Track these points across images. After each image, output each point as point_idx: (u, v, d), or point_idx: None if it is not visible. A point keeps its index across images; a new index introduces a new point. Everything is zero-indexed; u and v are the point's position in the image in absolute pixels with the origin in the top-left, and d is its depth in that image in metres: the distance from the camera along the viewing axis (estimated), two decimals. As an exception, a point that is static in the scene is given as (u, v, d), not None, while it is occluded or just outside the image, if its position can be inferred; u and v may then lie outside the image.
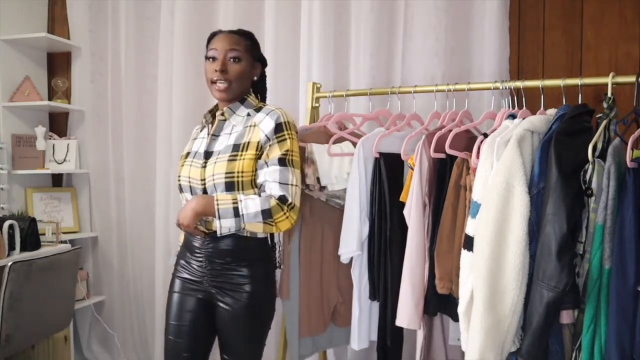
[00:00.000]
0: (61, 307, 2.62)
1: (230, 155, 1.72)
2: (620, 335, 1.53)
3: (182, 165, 1.85)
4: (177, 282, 1.87)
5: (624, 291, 1.52)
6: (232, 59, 1.75)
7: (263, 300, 1.80)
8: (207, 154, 1.78)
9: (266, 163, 1.72)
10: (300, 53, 2.80)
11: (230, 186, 1.70)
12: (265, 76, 1.93)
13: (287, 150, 1.73)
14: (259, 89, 1.91)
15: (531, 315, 1.59)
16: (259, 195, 1.71)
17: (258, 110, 1.81)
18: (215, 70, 1.74)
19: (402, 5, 2.68)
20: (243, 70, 1.78)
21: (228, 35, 1.79)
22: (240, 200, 1.68)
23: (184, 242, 1.90)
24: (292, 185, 1.72)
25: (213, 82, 1.76)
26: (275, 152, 1.72)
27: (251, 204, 1.67)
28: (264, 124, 1.73)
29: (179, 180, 1.85)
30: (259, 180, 1.73)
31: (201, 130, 1.89)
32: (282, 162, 1.71)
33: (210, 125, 1.84)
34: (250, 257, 1.78)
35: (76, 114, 3.37)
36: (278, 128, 1.72)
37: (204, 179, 1.75)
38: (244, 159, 1.71)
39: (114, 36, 3.27)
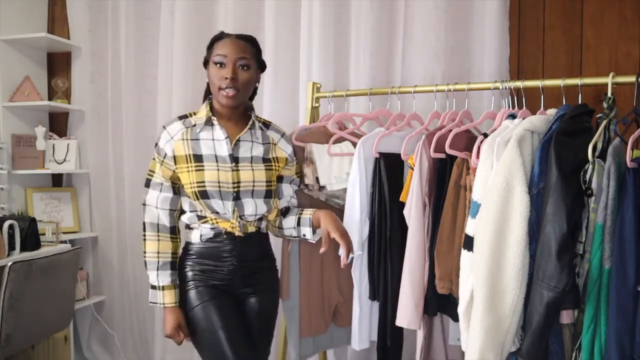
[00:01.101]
0: (61, 307, 2.62)
1: (266, 166, 1.83)
2: (620, 335, 1.53)
3: (202, 170, 1.75)
4: (206, 291, 1.79)
5: (624, 291, 1.52)
6: (241, 67, 1.75)
7: (278, 290, 1.99)
8: (235, 159, 1.78)
9: (293, 180, 1.96)
10: (300, 53, 2.80)
11: (269, 194, 1.84)
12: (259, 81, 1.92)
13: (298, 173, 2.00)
14: (252, 95, 1.90)
15: (531, 315, 1.59)
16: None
17: (265, 125, 1.90)
18: (226, 78, 1.72)
19: (402, 5, 2.68)
20: (251, 78, 1.78)
21: (236, 42, 1.77)
22: None
23: (199, 252, 1.82)
24: None
25: (221, 89, 1.74)
26: (294, 172, 1.96)
27: None
28: (283, 145, 1.91)
29: (204, 186, 1.74)
30: (287, 193, 1.94)
31: (199, 131, 1.79)
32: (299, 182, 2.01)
33: (223, 130, 1.78)
34: (268, 252, 1.94)
35: (76, 114, 3.37)
36: (293, 151, 1.94)
37: (238, 183, 1.76)
38: (277, 170, 1.88)
39: (114, 36, 3.27)
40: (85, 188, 3.37)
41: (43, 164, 3.26)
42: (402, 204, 1.97)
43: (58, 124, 3.45)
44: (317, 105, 2.46)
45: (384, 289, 2.05)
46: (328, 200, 2.19)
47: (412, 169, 1.94)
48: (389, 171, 2.04)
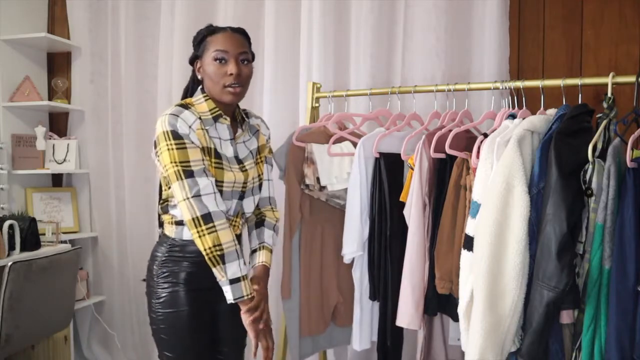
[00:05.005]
0: (61, 307, 2.62)
1: (255, 160, 1.83)
2: (620, 335, 1.53)
3: (222, 169, 1.68)
4: (187, 298, 1.73)
5: (624, 291, 1.52)
6: (242, 61, 1.71)
7: None
8: (239, 160, 1.76)
9: (266, 159, 1.89)
10: (300, 53, 2.80)
11: (260, 187, 1.85)
12: None
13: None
14: None
15: (531, 315, 1.59)
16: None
17: (247, 115, 1.84)
18: (230, 74, 1.66)
19: (402, 5, 2.68)
20: (251, 72, 1.75)
21: (234, 35, 1.72)
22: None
23: (195, 251, 1.68)
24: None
25: (225, 86, 1.68)
26: (267, 152, 1.90)
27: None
28: (264, 129, 1.90)
29: (222, 187, 1.68)
30: (265, 177, 1.88)
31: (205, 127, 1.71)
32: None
33: (230, 130, 1.74)
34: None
35: (76, 114, 3.37)
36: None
37: (246, 182, 1.76)
38: (261, 161, 1.86)
39: (114, 36, 3.27)
40: (85, 188, 3.37)
41: (43, 164, 3.26)
42: (402, 204, 1.97)
43: (58, 124, 3.45)
44: (317, 105, 2.46)
45: (384, 289, 2.05)
46: (329, 201, 2.19)
47: (412, 169, 1.94)
48: (389, 171, 2.04)
